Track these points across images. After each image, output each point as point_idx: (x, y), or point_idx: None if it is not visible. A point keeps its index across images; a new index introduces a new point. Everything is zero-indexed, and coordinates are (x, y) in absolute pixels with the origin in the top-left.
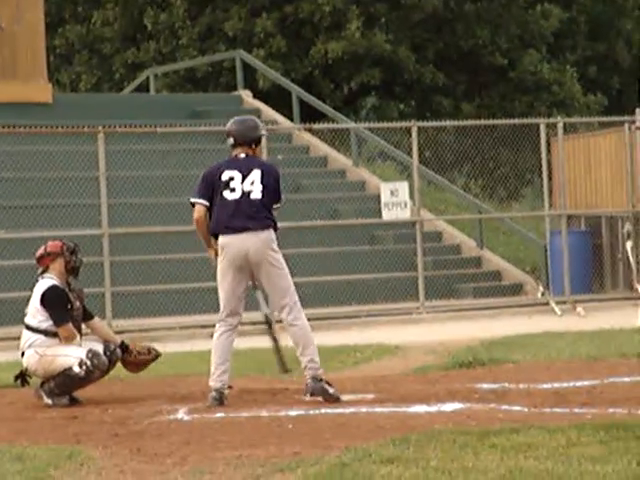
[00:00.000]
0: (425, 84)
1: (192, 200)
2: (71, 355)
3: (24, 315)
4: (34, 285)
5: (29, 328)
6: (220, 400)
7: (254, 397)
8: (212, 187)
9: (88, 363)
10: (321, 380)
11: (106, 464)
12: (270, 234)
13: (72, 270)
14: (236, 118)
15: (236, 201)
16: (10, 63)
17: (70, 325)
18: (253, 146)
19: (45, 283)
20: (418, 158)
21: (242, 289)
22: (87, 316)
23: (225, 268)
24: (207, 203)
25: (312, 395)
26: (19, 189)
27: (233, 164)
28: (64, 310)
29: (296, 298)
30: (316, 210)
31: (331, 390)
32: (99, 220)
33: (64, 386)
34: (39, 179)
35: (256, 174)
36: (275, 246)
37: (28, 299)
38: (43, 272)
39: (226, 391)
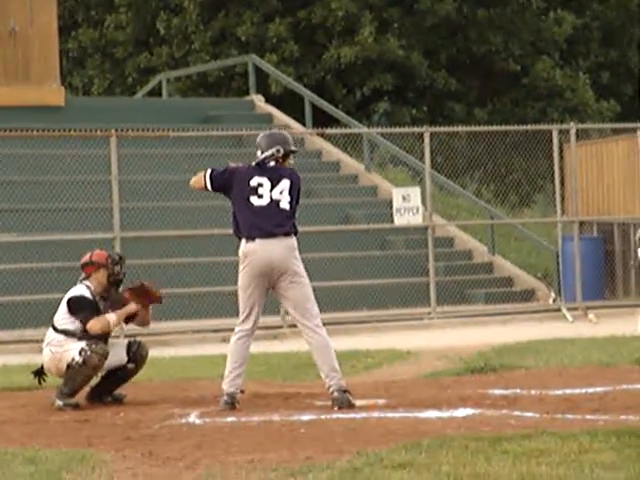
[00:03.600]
0: (437, 89)
1: (207, 175)
2: (75, 348)
3: (37, 318)
4: (46, 288)
5: (54, 328)
6: (232, 404)
7: (266, 401)
8: (231, 185)
9: (86, 348)
10: (346, 391)
11: (118, 467)
12: (294, 242)
13: (114, 282)
14: (267, 132)
15: (262, 207)
16: (23, 66)
17: (95, 318)
18: (280, 160)
19: (76, 290)
20: (430, 163)
21: (263, 296)
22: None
23: (247, 275)
24: (210, 188)
25: (340, 408)
26: (31, 192)
27: (263, 171)
28: (89, 312)
29: (317, 307)
30: (328, 215)
31: (353, 401)
32: (111, 224)
33: (70, 381)
34: (51, 182)
35: (285, 184)
36: (297, 254)
37: (40, 302)
38: (84, 279)
39: (238, 396)
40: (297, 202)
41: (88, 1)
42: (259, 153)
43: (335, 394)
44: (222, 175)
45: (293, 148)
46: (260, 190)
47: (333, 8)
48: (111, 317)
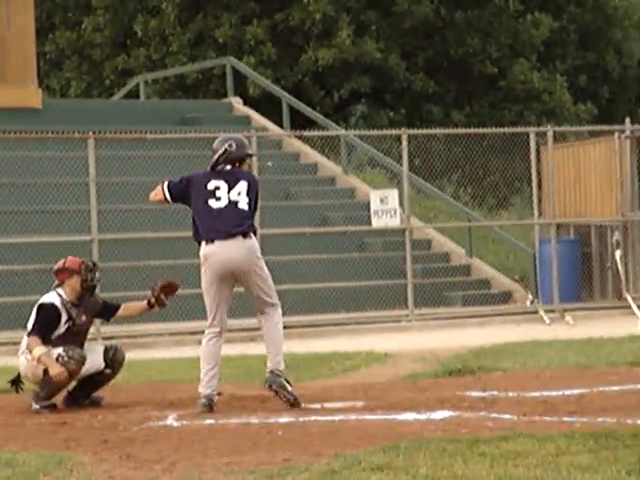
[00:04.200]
0: (415, 92)
1: (164, 188)
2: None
3: (14, 320)
4: (23, 290)
5: (28, 335)
6: (209, 406)
7: (244, 404)
8: (189, 192)
9: (63, 354)
10: (280, 375)
11: (96, 470)
12: (254, 242)
13: (88, 289)
14: (222, 136)
15: (220, 209)
16: (0, 68)
17: (35, 339)
18: (237, 164)
19: (47, 297)
20: (408, 166)
21: (227, 296)
22: (114, 311)
23: (209, 277)
24: (169, 199)
25: (270, 387)
26: (8, 194)
27: (219, 175)
28: (42, 325)
29: (275, 296)
30: (305, 217)
31: (289, 388)
32: (89, 226)
33: (47, 385)
34: (29, 184)
35: (243, 185)
36: (259, 253)
37: (17, 304)
38: (58, 285)
39: (215, 397)
40: (255, 205)
41: (65, 3)
42: (215, 157)
43: (267, 374)
44: (179, 184)
45: (249, 152)
46: (218, 193)
47: (311, 10)
48: (38, 351)
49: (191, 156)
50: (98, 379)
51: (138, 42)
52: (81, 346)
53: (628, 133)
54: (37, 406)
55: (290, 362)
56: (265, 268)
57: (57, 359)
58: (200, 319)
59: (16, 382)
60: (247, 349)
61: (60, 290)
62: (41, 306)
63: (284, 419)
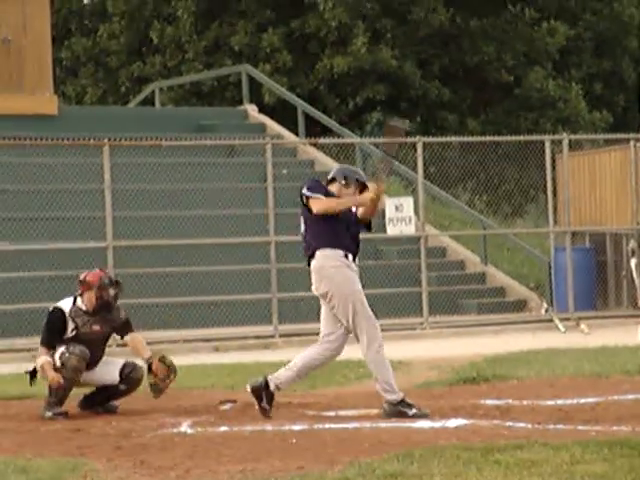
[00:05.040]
0: (430, 100)
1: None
2: (57, 352)
3: (28, 326)
4: (38, 297)
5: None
6: (262, 384)
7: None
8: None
9: (64, 350)
10: (397, 404)
11: (110, 477)
12: (320, 260)
13: (102, 305)
14: (336, 167)
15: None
16: (16, 75)
17: (43, 349)
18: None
19: (62, 302)
20: (423, 173)
21: (326, 318)
22: (126, 334)
23: None
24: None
25: (390, 418)
26: (24, 201)
27: None
28: (50, 334)
29: (364, 325)
30: None
31: (411, 412)
32: (104, 232)
33: (56, 389)
34: (44, 191)
35: None
36: (327, 272)
37: (31, 311)
38: (80, 294)
39: (272, 387)
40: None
41: (82, 10)
42: (343, 182)
43: (383, 406)
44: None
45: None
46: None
47: (326, 18)
48: (40, 360)
49: (206, 163)
50: (112, 392)
51: (154, 49)
52: (99, 356)
53: None
54: (50, 413)
55: None
56: (337, 291)
57: (60, 356)
58: (213, 326)
59: (32, 375)
60: (261, 356)
61: (79, 298)
62: (50, 313)
63: (298, 427)
